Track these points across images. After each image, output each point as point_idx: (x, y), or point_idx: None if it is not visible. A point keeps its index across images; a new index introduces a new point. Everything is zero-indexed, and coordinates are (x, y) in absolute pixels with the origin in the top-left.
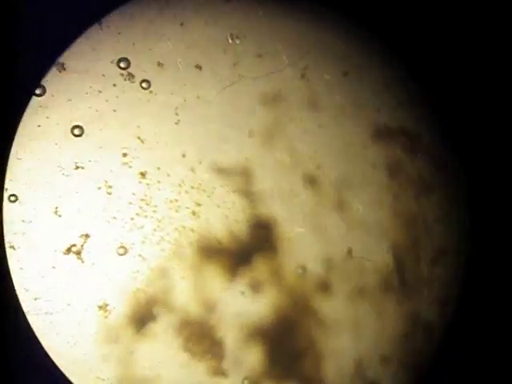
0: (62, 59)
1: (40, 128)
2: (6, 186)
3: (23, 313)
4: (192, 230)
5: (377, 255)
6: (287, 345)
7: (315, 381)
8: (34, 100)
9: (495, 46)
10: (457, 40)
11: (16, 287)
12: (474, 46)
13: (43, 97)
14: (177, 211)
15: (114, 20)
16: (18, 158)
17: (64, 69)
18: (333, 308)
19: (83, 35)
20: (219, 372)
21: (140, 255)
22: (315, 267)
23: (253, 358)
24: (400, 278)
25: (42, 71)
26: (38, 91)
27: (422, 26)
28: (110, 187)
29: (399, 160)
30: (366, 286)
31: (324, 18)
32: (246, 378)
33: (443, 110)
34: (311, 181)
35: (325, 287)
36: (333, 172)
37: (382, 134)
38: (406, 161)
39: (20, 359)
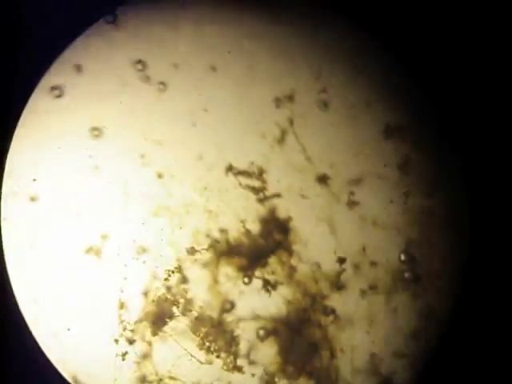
0: (79, 61)
1: (59, 129)
2: (27, 186)
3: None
4: (208, 231)
5: (390, 252)
6: (302, 341)
7: (329, 376)
8: (54, 101)
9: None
10: (467, 42)
11: (36, 286)
12: (484, 49)
13: (62, 98)
14: (193, 212)
15: (130, 22)
16: (37, 160)
17: (82, 71)
18: (347, 304)
19: (100, 37)
20: (235, 368)
21: (157, 255)
22: (330, 265)
23: (268, 354)
24: (413, 274)
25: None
26: (57, 92)
27: (432, 30)
28: (128, 188)
29: (410, 158)
30: (379, 282)
31: (337, 20)
32: (261, 374)
33: (452, 110)
34: (324, 180)
35: (339, 284)
36: (345, 171)
37: (393, 133)
38: (417, 159)
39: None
